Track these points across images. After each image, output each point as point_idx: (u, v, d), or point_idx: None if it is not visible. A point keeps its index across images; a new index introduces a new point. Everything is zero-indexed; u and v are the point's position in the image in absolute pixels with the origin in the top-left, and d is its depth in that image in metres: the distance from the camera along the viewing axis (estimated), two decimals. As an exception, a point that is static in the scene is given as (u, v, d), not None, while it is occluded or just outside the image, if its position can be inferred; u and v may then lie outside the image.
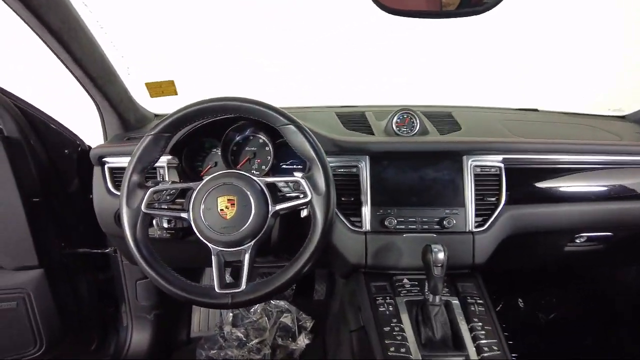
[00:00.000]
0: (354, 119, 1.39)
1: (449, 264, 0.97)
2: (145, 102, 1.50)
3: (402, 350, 0.98)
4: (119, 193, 1.22)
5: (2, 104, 1.33)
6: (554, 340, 1.83)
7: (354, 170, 1.20)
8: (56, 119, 1.46)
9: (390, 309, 1.07)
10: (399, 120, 1.33)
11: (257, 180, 0.97)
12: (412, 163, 1.22)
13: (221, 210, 0.95)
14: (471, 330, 1.03)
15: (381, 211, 1.19)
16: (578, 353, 1.75)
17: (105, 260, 1.71)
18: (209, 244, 0.96)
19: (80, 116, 1.51)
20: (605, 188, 1.29)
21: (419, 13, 1.16)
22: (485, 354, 0.97)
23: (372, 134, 1.30)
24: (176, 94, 1.46)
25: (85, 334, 1.66)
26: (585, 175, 1.29)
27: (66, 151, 1.47)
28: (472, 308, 1.08)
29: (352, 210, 1.20)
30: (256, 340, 1.78)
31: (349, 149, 1.19)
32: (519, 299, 1.97)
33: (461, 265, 1.19)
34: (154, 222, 1.13)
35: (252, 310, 1.87)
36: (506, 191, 1.23)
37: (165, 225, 1.03)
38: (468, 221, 1.20)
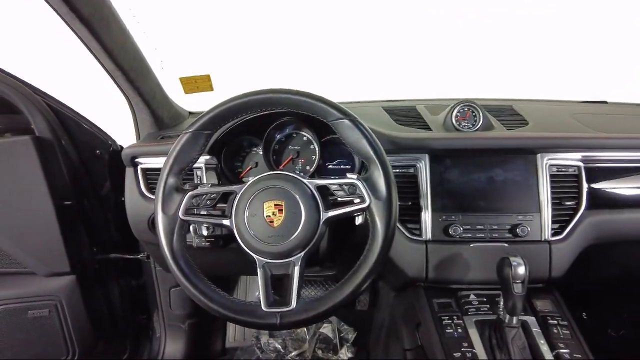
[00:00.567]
0: (406, 114, 1.25)
1: None
2: (178, 100, 1.41)
3: (476, 379, 0.84)
4: (152, 197, 1.13)
5: (33, 102, 1.26)
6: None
7: (412, 170, 1.07)
8: (88, 117, 1.39)
9: (459, 330, 0.93)
10: (459, 113, 1.18)
11: (307, 183, 0.85)
12: (478, 162, 1.07)
13: (268, 216, 0.83)
14: (557, 358, 0.87)
15: (444, 217, 1.05)
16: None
17: (137, 266, 1.63)
18: (253, 255, 0.84)
19: (111, 115, 1.44)
20: None
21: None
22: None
23: (429, 129, 1.16)
24: (212, 89, 1.36)
25: (117, 343, 1.60)
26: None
27: (98, 152, 1.40)
28: (555, 330, 0.93)
29: (410, 216, 1.06)
30: (295, 353, 1.67)
31: (407, 146, 1.05)
32: (583, 313, 1.77)
33: (536, 279, 1.04)
34: (191, 228, 1.03)
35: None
36: (587, 194, 1.07)
37: (205, 232, 0.92)
38: (544, 229, 1.04)
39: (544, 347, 0.90)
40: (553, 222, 1.05)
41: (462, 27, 1.76)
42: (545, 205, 1.05)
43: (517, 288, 0.84)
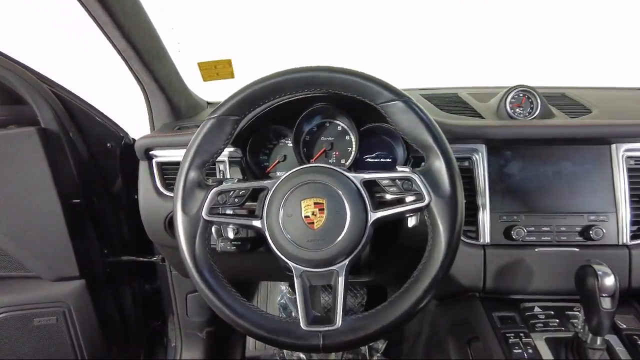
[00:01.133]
0: (449, 101, 1.11)
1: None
2: (194, 89, 1.29)
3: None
4: (169, 194, 1.02)
5: (39, 91, 1.15)
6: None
7: (466, 164, 0.93)
8: (97, 107, 1.28)
9: (529, 350, 0.79)
10: (514, 100, 1.04)
11: (352, 178, 0.72)
12: (543, 154, 0.93)
13: (306, 217, 0.70)
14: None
15: (504, 218, 0.91)
16: None
17: (151, 269, 1.52)
18: (289, 263, 0.71)
19: (124, 106, 1.33)
20: None
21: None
22: None
23: (480, 117, 1.02)
24: (233, 76, 1.23)
25: (130, 351, 1.48)
26: None
27: (109, 145, 1.29)
28: (645, 353, 0.78)
29: (465, 217, 0.92)
30: (320, 363, 1.54)
31: (462, 135, 0.91)
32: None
33: None
34: (214, 230, 0.90)
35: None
36: (670, 191, 0.92)
37: (230, 235, 0.79)
38: (621, 231, 0.90)
39: (633, 373, 0.76)
40: (632, 223, 0.90)
41: (501, 9, 1.61)
42: (622, 204, 0.90)
43: (606, 303, 0.70)
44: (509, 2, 1.61)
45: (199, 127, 0.74)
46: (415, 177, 0.69)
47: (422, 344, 1.29)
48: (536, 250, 0.90)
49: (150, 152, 1.00)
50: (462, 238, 0.91)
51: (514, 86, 1.05)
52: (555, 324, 0.85)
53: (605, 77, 1.47)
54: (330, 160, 1.03)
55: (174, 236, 0.73)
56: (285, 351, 1.58)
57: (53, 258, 1.20)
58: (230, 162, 0.97)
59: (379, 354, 1.56)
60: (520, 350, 0.79)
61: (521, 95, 1.05)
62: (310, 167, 0.75)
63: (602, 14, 1.66)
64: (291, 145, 1.00)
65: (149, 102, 1.12)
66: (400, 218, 0.74)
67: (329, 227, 0.70)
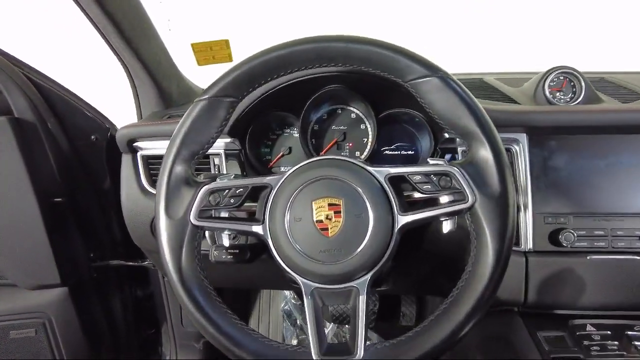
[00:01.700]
0: (475, 86, 0.97)
1: None
2: (189, 75, 1.15)
3: None
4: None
5: (11, 75, 1.02)
6: None
7: (505, 155, 0.79)
8: (80, 96, 1.14)
9: (585, 380, 0.66)
10: (553, 83, 0.90)
11: (375, 173, 0.59)
12: (593, 144, 0.79)
13: (319, 222, 0.57)
14: None
15: (550, 220, 0.77)
16: None
17: (143, 273, 1.39)
18: (298, 278, 0.58)
19: (110, 93, 1.19)
20: None
21: None
22: None
23: (515, 103, 0.88)
24: (230, 59, 1.09)
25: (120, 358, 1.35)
26: None
27: (93, 137, 1.16)
28: None
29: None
30: (329, 376, 1.40)
31: (501, 121, 0.77)
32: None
33: None
34: (207, 235, 0.77)
35: (320, 335, 1.48)
36: None
37: (226, 242, 0.65)
38: (690, 235, 0.76)
39: None
40: None
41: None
42: (690, 203, 0.76)
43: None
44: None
45: None
46: (456, 171, 0.56)
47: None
48: (588, 258, 0.76)
49: (134, 144, 0.87)
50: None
51: (553, 67, 0.91)
52: (615, 347, 0.71)
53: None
54: (342, 153, 0.89)
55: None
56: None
57: (31, 264, 1.08)
58: (227, 156, 0.83)
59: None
60: (576, 381, 0.65)
61: (562, 78, 0.91)
62: (322, 159, 0.61)
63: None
64: (297, 135, 0.87)
65: (135, 87, 0.99)
66: (431, 222, 0.61)
67: (347, 234, 0.57)
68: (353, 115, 0.88)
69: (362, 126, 0.88)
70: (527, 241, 0.77)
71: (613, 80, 1.02)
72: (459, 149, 0.80)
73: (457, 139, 0.79)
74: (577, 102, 0.88)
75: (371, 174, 0.59)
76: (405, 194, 0.61)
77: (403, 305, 1.45)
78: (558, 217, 0.77)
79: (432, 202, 0.59)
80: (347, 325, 1.47)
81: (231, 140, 0.82)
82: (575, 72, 0.90)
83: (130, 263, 1.26)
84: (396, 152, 0.88)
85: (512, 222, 0.55)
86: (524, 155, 0.78)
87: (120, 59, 0.90)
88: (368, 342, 0.57)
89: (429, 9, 1.44)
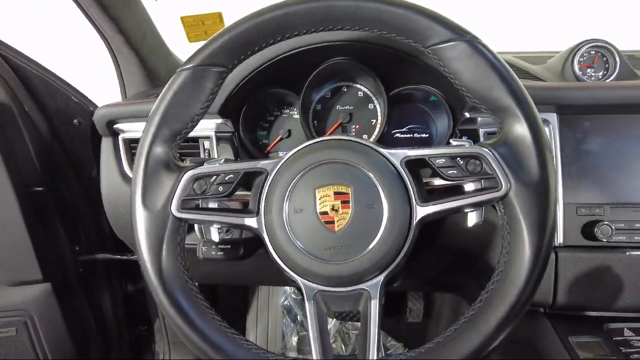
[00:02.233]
0: None
1: None
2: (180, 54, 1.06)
3: None
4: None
5: (-19, 52, 0.92)
6: None
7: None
8: (60, 76, 1.05)
9: (630, 396, 0.57)
10: (583, 59, 0.81)
11: (389, 156, 0.50)
12: (632, 125, 0.70)
13: (323, 214, 0.48)
14: None
15: (583, 211, 0.69)
16: None
17: (134, 266, 1.30)
18: (299, 279, 0.50)
19: (95, 74, 1.10)
20: None
21: None
22: None
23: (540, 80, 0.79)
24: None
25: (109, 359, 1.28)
26: None
27: (76, 121, 1.07)
28: None
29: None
30: (331, 374, 1.33)
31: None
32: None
33: None
34: (196, 228, 0.68)
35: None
36: None
37: (215, 237, 0.57)
38: None
39: None
40: None
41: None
42: None
43: None
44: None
45: None
46: (487, 153, 0.47)
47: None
48: (627, 254, 0.67)
49: (115, 126, 0.77)
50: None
51: (584, 41, 0.82)
52: (656, 354, 0.63)
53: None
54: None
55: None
56: (289, 358, 1.38)
57: (9, 258, 1.00)
58: (219, 139, 0.74)
59: (398, 364, 1.35)
60: (617, 395, 0.57)
61: (593, 53, 0.82)
62: (327, 140, 0.52)
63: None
64: (297, 116, 0.77)
65: (118, 65, 0.89)
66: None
67: (356, 228, 0.48)
68: (360, 94, 0.79)
69: (371, 106, 0.78)
70: (557, 235, 0.68)
71: None
72: (481, 131, 0.70)
73: (479, 119, 0.70)
74: (610, 79, 0.80)
75: (385, 157, 0.50)
76: (425, 180, 0.52)
77: (410, 300, 1.37)
78: (592, 208, 0.68)
79: (455, 191, 0.50)
80: (350, 322, 1.39)
81: (223, 121, 0.73)
82: (609, 46, 0.81)
83: (119, 257, 1.18)
84: (408, 136, 0.79)
85: (553, 213, 0.46)
86: (554, 137, 0.69)
87: (99, 31, 0.80)
88: (381, 354, 0.49)
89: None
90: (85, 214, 1.15)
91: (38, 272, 1.01)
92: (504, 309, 0.45)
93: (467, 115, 0.70)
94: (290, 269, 0.50)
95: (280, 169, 0.51)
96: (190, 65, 0.51)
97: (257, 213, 0.51)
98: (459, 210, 0.49)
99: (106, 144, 0.80)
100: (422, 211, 0.49)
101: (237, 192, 0.55)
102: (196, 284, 0.51)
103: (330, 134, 0.79)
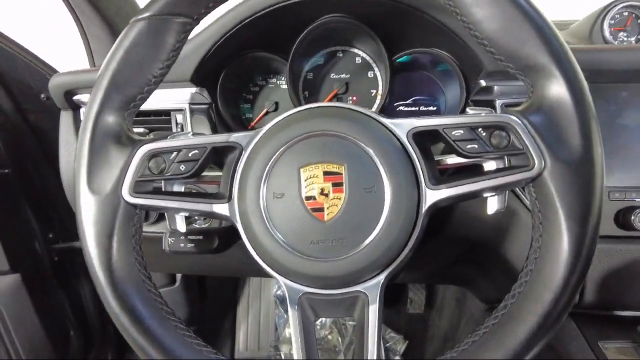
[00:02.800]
0: None
1: None
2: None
3: None
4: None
5: None
6: None
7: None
8: (24, 45, 0.94)
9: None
10: (614, 21, 0.71)
11: (392, 127, 0.40)
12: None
13: (310, 199, 0.39)
14: None
15: (617, 196, 0.59)
16: None
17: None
18: (280, 279, 0.40)
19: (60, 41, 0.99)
20: None
21: None
22: None
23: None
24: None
25: (95, 353, 1.20)
26: None
27: (43, 96, 0.97)
28: None
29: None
30: (326, 367, 1.27)
31: None
32: None
33: None
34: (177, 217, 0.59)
35: (317, 323, 1.33)
36: None
37: (181, 227, 0.47)
38: None
39: None
40: None
41: None
42: None
43: None
44: None
45: None
46: (517, 122, 0.37)
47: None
48: (667, 245, 0.58)
49: (75, 98, 0.67)
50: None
51: (615, 0, 0.71)
52: (699, 361, 0.54)
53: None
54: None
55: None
56: (283, 351, 1.31)
57: (-29, 247, 0.90)
58: (193, 112, 0.64)
59: (397, 357, 1.28)
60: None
61: (626, 14, 0.72)
62: (315, 108, 0.42)
63: None
64: (286, 86, 0.67)
65: (83, 29, 0.78)
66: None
67: (351, 216, 0.39)
68: (358, 60, 0.68)
69: (370, 74, 0.68)
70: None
71: None
72: (498, 102, 0.60)
73: (495, 88, 0.60)
74: (645, 44, 0.69)
75: (388, 128, 0.40)
76: (436, 158, 0.43)
77: (410, 290, 1.29)
78: (628, 192, 0.58)
79: (472, 170, 0.41)
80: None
81: (197, 91, 0.62)
82: (643, 6, 0.70)
83: None
84: (413, 109, 0.69)
85: (599, 198, 0.37)
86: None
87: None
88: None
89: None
90: (58, 198, 1.06)
91: (4, 261, 0.94)
92: (535, 319, 0.36)
93: (483, 83, 0.59)
94: (269, 267, 0.40)
95: (257, 144, 0.41)
96: (147, 15, 0.40)
97: (229, 198, 0.41)
98: (477, 194, 0.40)
99: (65, 119, 0.69)
100: (433, 195, 0.39)
101: (208, 173, 0.45)
102: (154, 284, 0.42)
103: (322, 106, 0.68)
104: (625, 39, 0.71)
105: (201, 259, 0.77)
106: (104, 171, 0.41)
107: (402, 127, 0.40)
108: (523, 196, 0.59)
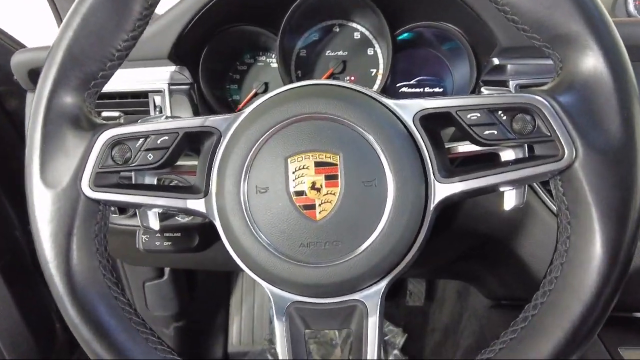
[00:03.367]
0: None
1: None
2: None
3: None
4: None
5: None
6: None
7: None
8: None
9: None
10: (638, -7, 0.64)
11: (397, 110, 0.35)
12: None
13: (299, 194, 0.33)
14: None
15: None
16: None
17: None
18: (265, 286, 0.35)
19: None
20: None
21: None
22: None
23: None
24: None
25: (80, 351, 1.16)
26: None
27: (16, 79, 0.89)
28: None
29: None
30: (322, 361, 1.23)
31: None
32: None
33: None
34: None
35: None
36: None
37: (154, 224, 0.41)
38: None
39: None
40: None
41: None
42: None
43: None
44: None
45: None
46: (545, 103, 0.31)
47: (461, 349, 0.96)
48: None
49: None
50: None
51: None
52: None
53: None
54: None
55: None
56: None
57: (-57, 239, 0.85)
58: (173, 92, 0.57)
59: (396, 351, 1.24)
60: None
61: (652, -15, 0.65)
62: (306, 86, 0.36)
63: None
64: (276, 65, 0.60)
65: (54, 4, 0.71)
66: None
67: (348, 215, 0.34)
68: (357, 35, 0.61)
69: (370, 51, 0.61)
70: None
71: None
72: (511, 83, 0.54)
73: (509, 67, 0.54)
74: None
75: (391, 110, 0.34)
76: (447, 146, 0.37)
77: (410, 282, 1.25)
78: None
79: (487, 160, 0.35)
80: None
81: (177, 69, 0.56)
82: (672, -24, 0.63)
83: None
84: (418, 90, 0.62)
85: (639, 195, 0.31)
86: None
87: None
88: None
89: None
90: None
91: (-20, 255, 0.88)
92: (562, 334, 0.31)
93: (496, 61, 0.53)
94: (252, 272, 0.35)
95: (237, 129, 0.35)
96: None
97: (206, 193, 0.35)
98: (495, 188, 0.34)
99: (31, 101, 0.63)
100: (443, 190, 0.34)
101: (185, 162, 0.39)
102: (123, 291, 0.36)
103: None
104: (650, 13, 0.65)
105: (185, 254, 0.72)
106: (60, 161, 0.35)
107: (409, 109, 0.34)
108: (538, 188, 0.54)
